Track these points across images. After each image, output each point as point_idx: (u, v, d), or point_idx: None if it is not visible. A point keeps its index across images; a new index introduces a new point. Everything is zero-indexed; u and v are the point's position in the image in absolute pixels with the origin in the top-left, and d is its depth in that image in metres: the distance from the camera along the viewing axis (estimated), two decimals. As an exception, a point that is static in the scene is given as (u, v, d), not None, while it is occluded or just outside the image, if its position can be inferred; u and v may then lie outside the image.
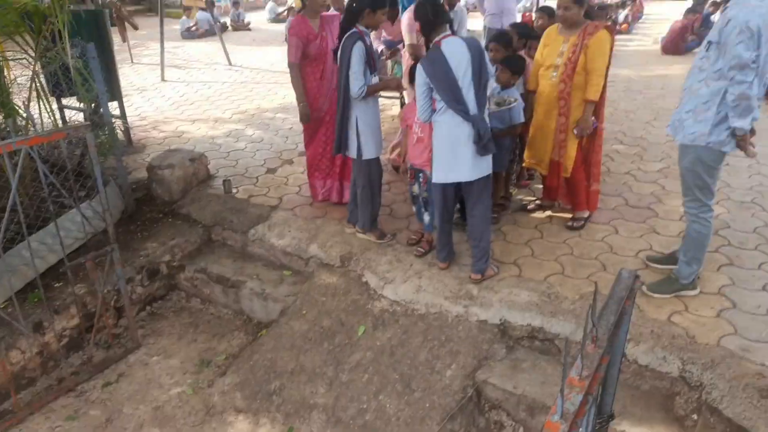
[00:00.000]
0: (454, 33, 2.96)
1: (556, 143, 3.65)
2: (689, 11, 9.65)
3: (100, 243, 3.60)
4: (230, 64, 9.62)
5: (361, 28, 3.30)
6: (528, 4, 13.15)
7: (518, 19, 7.44)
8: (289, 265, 3.89)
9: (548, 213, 4.03)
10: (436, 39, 2.91)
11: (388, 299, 3.33)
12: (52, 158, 4.21)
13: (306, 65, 3.78)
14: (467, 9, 8.27)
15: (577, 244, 3.62)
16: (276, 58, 10.22)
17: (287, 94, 7.59)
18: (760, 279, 3.19)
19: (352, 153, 3.53)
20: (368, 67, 3.31)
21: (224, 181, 4.60)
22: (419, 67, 2.90)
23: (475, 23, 8.93)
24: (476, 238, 3.18)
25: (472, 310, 3.11)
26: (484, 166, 3.01)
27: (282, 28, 12.58)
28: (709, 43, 2.65)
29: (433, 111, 2.97)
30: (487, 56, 2.97)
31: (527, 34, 4.22)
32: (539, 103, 3.66)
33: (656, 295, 3.03)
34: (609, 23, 3.48)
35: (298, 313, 3.46)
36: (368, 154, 3.51)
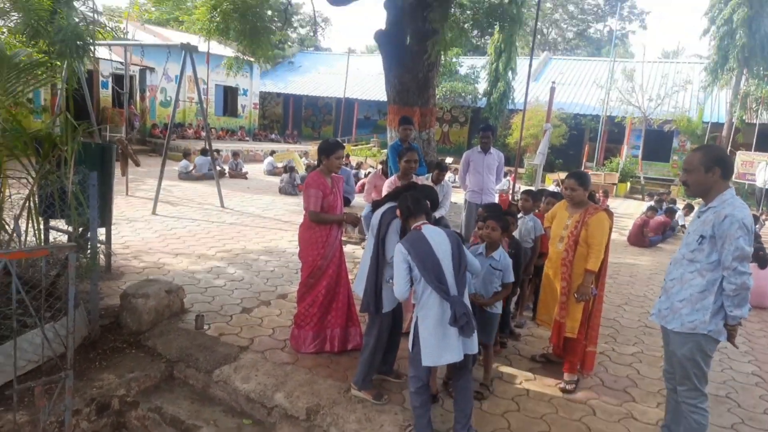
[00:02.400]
0: (431, 222, 3.15)
1: (559, 305, 3.89)
2: (650, 209, 10.57)
3: (54, 368, 3.34)
4: (222, 206, 9.95)
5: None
6: (505, 187, 14.36)
7: (495, 198, 8.04)
8: (250, 413, 3.61)
9: (526, 385, 3.94)
10: (415, 224, 3.11)
11: (354, 463, 3.06)
12: (26, 276, 4.10)
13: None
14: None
15: (555, 421, 3.49)
16: (267, 205, 10.66)
17: (273, 238, 7.79)
18: (744, 478, 3.05)
19: (374, 309, 3.51)
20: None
21: (197, 316, 4.47)
22: (399, 247, 2.99)
23: (457, 197, 9.61)
24: (462, 409, 3.10)
25: (444, 485, 2.85)
26: (473, 343, 3.02)
27: (277, 180, 13.36)
28: (702, 237, 2.79)
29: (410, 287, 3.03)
30: (462, 246, 3.09)
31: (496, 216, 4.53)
32: (548, 267, 4.04)
33: None
34: (607, 207, 3.90)
35: (253, 471, 3.12)
36: (386, 307, 3.49)
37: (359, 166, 16.39)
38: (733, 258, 2.68)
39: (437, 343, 2.93)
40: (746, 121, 18.05)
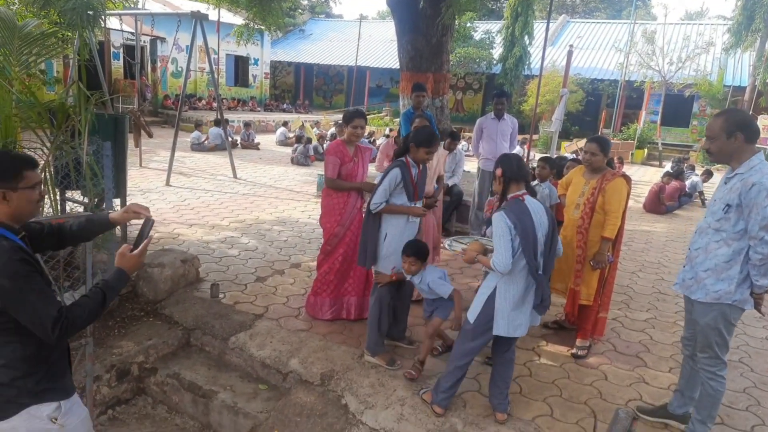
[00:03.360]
0: (531, 193, 3.00)
1: (574, 272, 3.89)
2: (666, 175, 10.38)
3: (74, 336, 3.44)
4: (235, 176, 10.00)
5: (409, 159, 3.54)
6: (521, 156, 14.18)
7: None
8: (266, 378, 3.70)
9: (538, 351, 3.97)
10: (517, 193, 2.94)
11: (367, 426, 3.13)
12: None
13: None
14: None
15: (567, 386, 3.52)
16: (280, 175, 10.68)
17: (286, 209, 7.83)
18: (755, 442, 3.07)
19: (373, 264, 3.59)
20: (406, 193, 3.50)
21: (212, 285, 4.54)
22: (502, 216, 2.83)
23: (470, 165, 9.53)
24: (504, 377, 3.13)
25: (455, 447, 2.91)
26: (536, 318, 3.05)
27: (289, 150, 13.35)
28: (728, 206, 2.72)
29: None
30: (557, 228, 3.01)
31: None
32: (563, 235, 3.95)
33: None
34: (625, 173, 3.80)
35: (269, 433, 3.22)
36: (384, 268, 3.55)
37: (372, 135, 16.25)
38: (761, 227, 2.60)
39: (516, 315, 2.93)
40: (770, 84, 17.50)
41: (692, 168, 12.40)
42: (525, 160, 10.02)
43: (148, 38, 19.06)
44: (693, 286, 2.87)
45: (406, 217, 3.57)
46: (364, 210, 4.19)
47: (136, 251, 2.00)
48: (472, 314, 3.03)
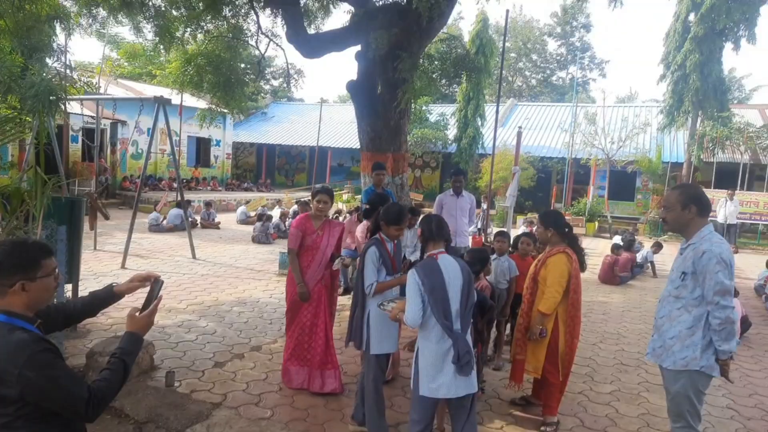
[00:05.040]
0: (449, 251, 3.08)
1: (515, 342, 3.97)
2: (616, 247, 10.78)
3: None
4: (194, 257, 9.79)
5: (383, 236, 3.63)
6: (475, 229, 14.52)
7: (469, 240, 8.12)
8: (224, 474, 3.46)
9: (506, 430, 3.88)
10: (433, 252, 3.03)
11: None
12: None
13: (301, 254, 4.27)
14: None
15: (537, 466, 3.42)
16: (240, 254, 10.53)
17: (247, 288, 7.66)
18: None
19: (362, 346, 3.58)
20: (385, 268, 3.55)
21: (167, 373, 4.32)
22: (414, 273, 2.92)
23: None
24: None
25: None
26: (472, 382, 2.96)
27: (250, 229, 13.27)
28: (684, 273, 2.85)
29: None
30: (473, 282, 3.07)
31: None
32: (521, 307, 4.07)
33: None
34: (568, 249, 3.87)
35: None
36: (375, 349, 3.52)
37: (339, 213, 16.33)
38: (715, 293, 2.73)
39: (435, 374, 2.89)
40: (704, 160, 18.86)
41: (633, 240, 12.76)
42: (483, 234, 10.29)
43: (109, 121, 19.15)
44: (662, 354, 2.93)
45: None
46: (329, 282, 4.33)
47: (146, 311, 2.01)
48: (411, 380, 3.04)
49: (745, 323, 6.73)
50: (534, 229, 4.17)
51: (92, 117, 15.51)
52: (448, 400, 2.97)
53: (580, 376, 5.03)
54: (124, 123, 19.72)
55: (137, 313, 2.00)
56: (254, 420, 3.81)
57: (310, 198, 4.44)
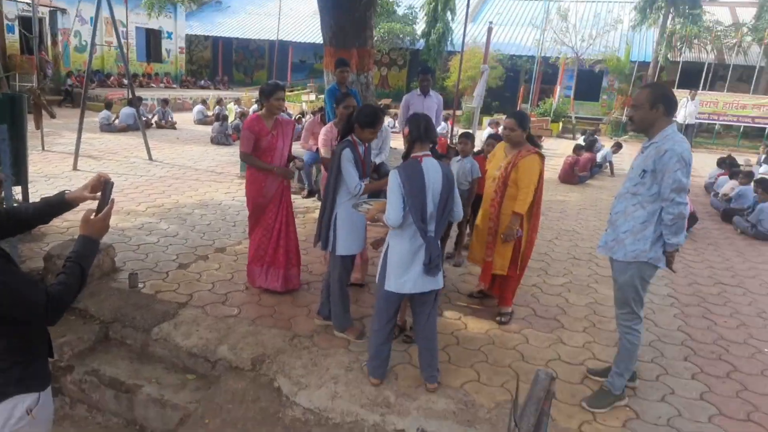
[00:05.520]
0: (434, 156, 3.03)
1: (485, 245, 4.02)
2: (578, 148, 10.97)
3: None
4: (150, 158, 9.47)
5: (355, 138, 3.53)
6: (444, 131, 14.44)
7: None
8: (194, 368, 3.59)
9: (464, 320, 4.12)
10: (418, 154, 2.98)
11: (301, 407, 3.13)
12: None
13: (257, 156, 4.13)
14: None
15: (491, 351, 3.69)
16: (199, 156, 10.24)
17: (208, 191, 7.54)
18: (659, 390, 3.37)
19: (328, 246, 3.62)
20: (357, 171, 3.48)
21: (130, 274, 4.32)
22: (395, 174, 2.92)
23: (396, 143, 9.59)
24: (429, 348, 3.17)
25: (389, 419, 2.98)
26: (438, 279, 3.06)
27: (209, 129, 12.80)
28: (644, 171, 2.94)
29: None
30: (456, 189, 3.06)
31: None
32: (482, 209, 4.14)
33: (596, 410, 3.09)
34: (540, 150, 3.90)
35: (200, 423, 3.13)
36: (341, 250, 3.57)
37: (303, 115, 15.81)
38: (671, 189, 2.84)
39: (403, 271, 2.98)
40: (670, 59, 18.81)
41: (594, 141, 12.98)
42: (449, 135, 10.25)
43: (47, 9, 17.43)
44: (615, 247, 3.09)
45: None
46: (290, 184, 4.31)
47: (100, 215, 1.94)
48: (377, 274, 3.14)
49: (693, 219, 7.12)
50: (500, 129, 4.13)
51: (27, 4, 14.04)
52: (411, 295, 3.09)
53: (534, 270, 5.29)
54: (63, 11, 18.00)
55: (92, 216, 1.93)
56: (221, 318, 3.90)
57: (259, 98, 4.20)
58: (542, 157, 3.91)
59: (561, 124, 19.28)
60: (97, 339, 3.80)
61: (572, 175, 10.20)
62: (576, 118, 19.62)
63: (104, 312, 3.94)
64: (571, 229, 6.99)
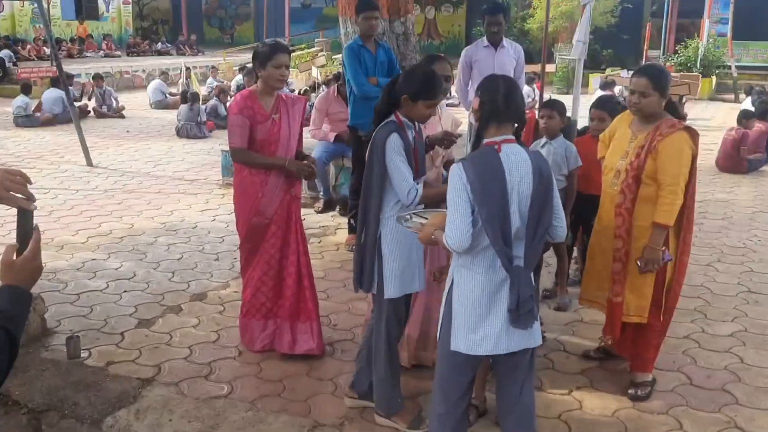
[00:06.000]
0: (519, 140, 2.98)
1: (611, 275, 3.94)
2: (745, 116, 10.69)
3: None
4: (90, 164, 9.80)
5: (401, 117, 3.53)
6: (528, 100, 14.39)
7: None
8: (168, 478, 3.68)
9: (577, 395, 4.07)
10: (495, 140, 2.92)
11: None
12: None
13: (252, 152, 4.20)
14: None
15: (624, 443, 3.63)
16: (161, 156, 10.53)
17: (176, 209, 7.75)
18: None
19: (371, 287, 3.62)
20: (411, 168, 3.46)
21: (68, 339, 4.46)
22: (458, 170, 2.85)
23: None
24: None
25: None
26: (533, 333, 2.98)
27: (173, 116, 13.13)
28: None
29: None
30: (556, 193, 2.99)
31: None
32: (598, 219, 4.07)
33: None
34: (688, 125, 3.82)
35: None
36: (392, 291, 3.55)
37: (316, 88, 16.04)
38: None
39: (478, 321, 2.92)
40: None
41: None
42: (536, 106, 10.22)
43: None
44: None
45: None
46: (300, 193, 4.39)
47: (26, 253, 1.98)
48: (438, 328, 3.12)
49: None
50: (618, 92, 4.09)
51: None
52: (493, 358, 3.08)
53: (686, 312, 5.18)
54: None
55: (14, 257, 1.99)
56: (205, 400, 3.97)
57: (252, 64, 4.29)
58: (694, 134, 3.80)
59: (715, 78, 18.94)
60: (25, 437, 3.92)
61: (737, 159, 9.99)
62: (738, 68, 19.23)
63: (34, 396, 4.06)
64: (741, 245, 6.84)
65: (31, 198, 2.03)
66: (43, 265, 2.10)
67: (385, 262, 3.57)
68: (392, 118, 3.54)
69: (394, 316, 3.64)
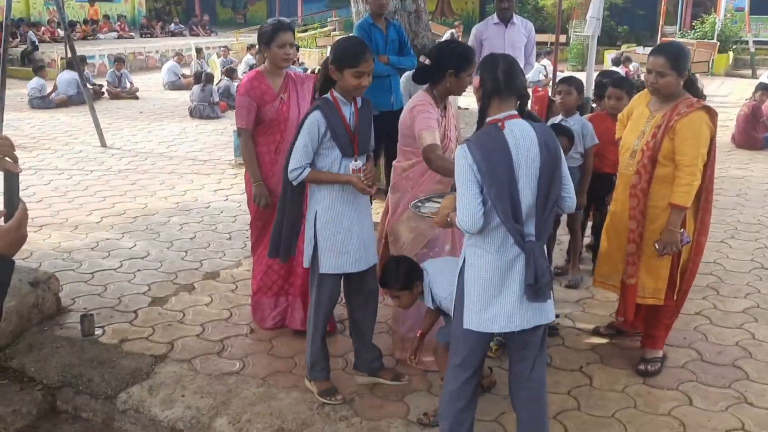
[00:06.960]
0: (522, 115, 2.96)
1: (625, 257, 3.92)
2: (761, 88, 10.58)
3: None
4: (104, 144, 9.88)
5: (336, 94, 3.54)
6: (540, 77, 14.30)
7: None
8: (180, 452, 3.72)
9: (587, 370, 4.07)
10: (497, 117, 2.90)
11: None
12: None
13: (258, 134, 4.27)
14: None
15: (633, 419, 3.62)
16: (175, 137, 10.57)
17: (189, 189, 7.78)
18: None
19: (304, 261, 3.70)
20: (339, 147, 3.51)
21: (83, 317, 4.51)
22: (463, 151, 2.84)
23: (468, 100, 9.56)
24: (534, 416, 3.14)
25: None
26: (546, 309, 2.99)
27: (186, 97, 13.17)
28: None
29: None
30: (564, 163, 2.97)
31: None
32: (615, 199, 4.04)
33: None
34: (707, 104, 3.77)
35: None
36: (326, 267, 3.63)
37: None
38: None
39: (490, 299, 2.91)
40: None
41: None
42: (550, 84, 10.14)
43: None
44: None
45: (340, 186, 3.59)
46: None
47: (12, 221, 1.98)
48: (452, 303, 3.14)
49: None
50: (632, 69, 4.03)
51: None
52: (506, 335, 3.09)
53: (699, 289, 5.15)
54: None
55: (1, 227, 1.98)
56: (217, 376, 4.01)
57: (257, 45, 4.34)
58: (713, 113, 3.75)
59: (732, 54, 18.71)
60: (41, 412, 3.97)
61: (752, 134, 9.88)
62: (755, 43, 18.98)
63: (49, 373, 4.12)
64: (756, 221, 6.81)
65: (16, 161, 2.04)
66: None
67: (320, 238, 3.62)
68: (327, 95, 3.57)
69: (327, 291, 3.71)
